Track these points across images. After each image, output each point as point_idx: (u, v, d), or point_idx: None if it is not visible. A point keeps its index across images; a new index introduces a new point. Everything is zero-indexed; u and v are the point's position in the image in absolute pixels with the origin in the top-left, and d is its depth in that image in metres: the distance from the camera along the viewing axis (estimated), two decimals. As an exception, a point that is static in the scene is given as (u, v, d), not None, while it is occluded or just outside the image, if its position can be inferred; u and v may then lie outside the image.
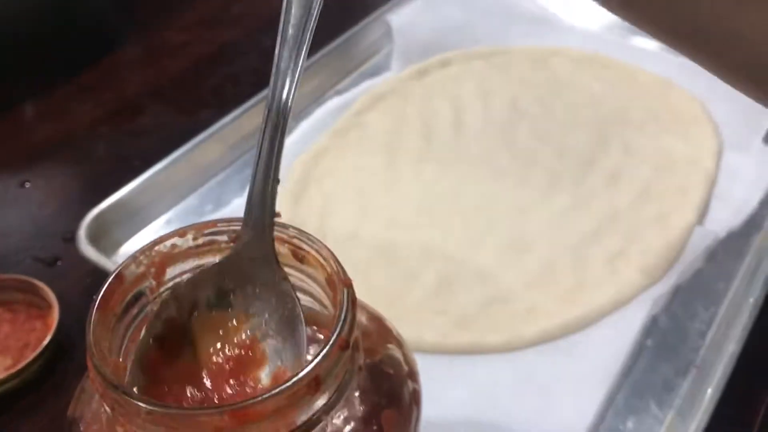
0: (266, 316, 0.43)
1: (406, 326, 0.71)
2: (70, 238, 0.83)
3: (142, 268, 0.42)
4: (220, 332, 0.43)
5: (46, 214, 0.92)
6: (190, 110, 1.03)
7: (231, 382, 0.41)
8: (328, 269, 0.43)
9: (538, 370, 0.70)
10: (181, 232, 0.43)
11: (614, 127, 0.95)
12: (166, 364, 0.41)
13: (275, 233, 0.43)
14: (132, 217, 0.86)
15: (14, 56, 1.09)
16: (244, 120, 0.97)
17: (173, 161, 0.90)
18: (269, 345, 0.42)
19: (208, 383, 0.41)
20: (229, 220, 0.44)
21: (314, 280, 0.45)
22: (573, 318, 0.73)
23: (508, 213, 0.85)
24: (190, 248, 0.43)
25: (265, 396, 0.35)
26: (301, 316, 0.42)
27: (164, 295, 0.42)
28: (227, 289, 0.43)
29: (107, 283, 0.40)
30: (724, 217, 0.83)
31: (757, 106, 0.86)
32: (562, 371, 0.70)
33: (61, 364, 0.74)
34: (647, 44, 1.08)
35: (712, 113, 0.97)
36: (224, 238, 0.44)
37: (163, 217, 0.89)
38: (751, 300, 0.73)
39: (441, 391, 0.66)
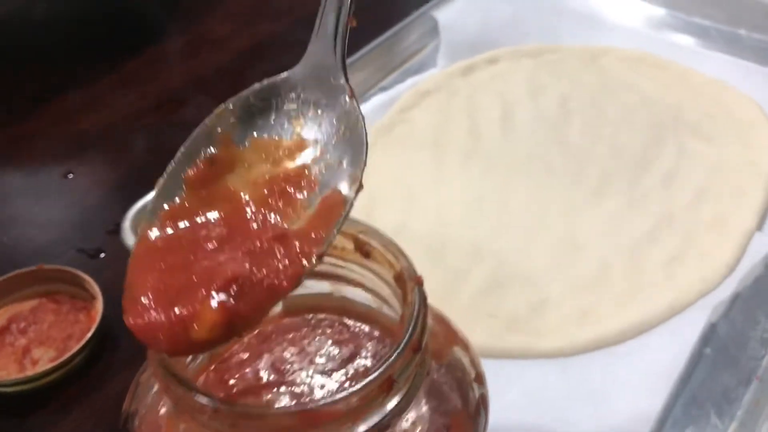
0: (326, 137, 0.41)
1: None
2: (114, 230, 0.82)
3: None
4: (275, 151, 0.40)
5: (89, 206, 0.91)
6: (232, 103, 1.02)
7: (279, 204, 0.38)
8: (398, 266, 0.41)
9: (592, 375, 0.68)
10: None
11: (668, 128, 0.92)
12: (209, 182, 0.39)
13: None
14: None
15: (57, 44, 1.09)
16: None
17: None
18: (323, 168, 0.40)
19: (253, 207, 0.38)
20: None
21: (381, 277, 0.43)
22: (628, 323, 0.71)
23: (560, 213, 0.82)
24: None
25: (337, 398, 0.33)
26: (366, 137, 0.41)
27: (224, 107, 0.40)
28: (288, 109, 0.41)
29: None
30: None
31: None
32: (617, 378, 0.67)
33: (105, 356, 0.73)
34: (695, 43, 1.05)
35: (769, 115, 0.94)
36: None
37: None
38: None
39: (492, 396, 0.64)
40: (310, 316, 0.47)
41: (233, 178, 0.39)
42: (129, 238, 0.78)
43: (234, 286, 0.33)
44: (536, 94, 0.99)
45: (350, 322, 0.45)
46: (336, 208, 0.39)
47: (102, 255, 0.84)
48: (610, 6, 1.16)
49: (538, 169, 0.88)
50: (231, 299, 0.33)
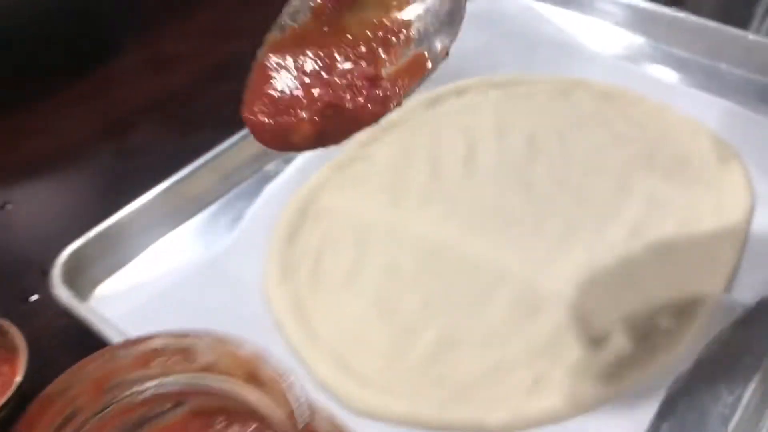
0: (432, 3, 0.46)
1: (401, 397, 0.67)
2: (47, 272, 0.77)
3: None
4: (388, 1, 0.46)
5: (26, 241, 0.86)
6: (185, 130, 0.97)
7: (379, 49, 0.45)
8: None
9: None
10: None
11: (638, 172, 0.88)
12: (330, 15, 0.45)
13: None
14: (114, 251, 0.80)
15: (7, 61, 1.03)
16: (243, 146, 0.91)
17: (162, 192, 0.84)
18: (422, 29, 0.46)
19: (358, 47, 0.45)
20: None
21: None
22: (583, 394, 0.66)
23: (520, 267, 0.78)
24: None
25: None
26: (463, 16, 0.47)
27: None
28: None
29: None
30: (755, 283, 0.76)
31: None
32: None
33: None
34: (674, 77, 1.01)
35: (746, 161, 0.90)
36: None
37: (147, 250, 0.83)
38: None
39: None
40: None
41: (349, 17, 0.45)
42: (58, 287, 0.73)
43: (328, 111, 0.42)
44: (503, 131, 0.95)
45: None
46: (422, 67, 0.45)
47: (33, 297, 0.79)
48: (588, 34, 1.12)
49: (499, 216, 0.84)
50: (323, 120, 0.42)
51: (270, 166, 0.92)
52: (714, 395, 0.68)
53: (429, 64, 0.46)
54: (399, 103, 0.44)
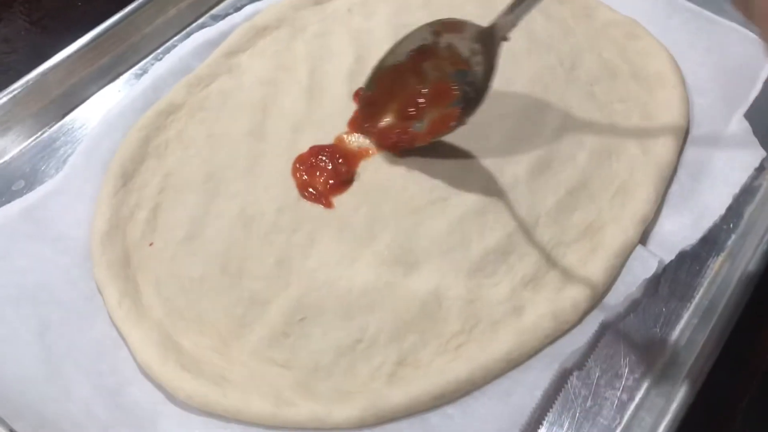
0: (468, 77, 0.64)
1: (234, 387, 0.55)
2: None
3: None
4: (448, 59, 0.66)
5: None
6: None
7: (419, 100, 0.67)
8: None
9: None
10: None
11: (557, 87, 0.73)
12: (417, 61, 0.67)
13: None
14: None
15: None
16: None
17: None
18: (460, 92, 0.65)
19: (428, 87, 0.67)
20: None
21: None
22: (451, 380, 0.55)
23: (396, 216, 0.65)
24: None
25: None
26: (487, 87, 0.62)
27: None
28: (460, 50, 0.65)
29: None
30: (676, 231, 0.64)
31: (745, 62, 0.70)
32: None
33: None
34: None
35: (683, 68, 0.75)
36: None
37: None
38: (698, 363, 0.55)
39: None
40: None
41: (426, 65, 0.67)
42: None
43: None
44: (400, 34, 0.78)
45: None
46: (451, 119, 0.65)
47: None
48: None
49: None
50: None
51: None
52: (611, 375, 0.57)
53: (455, 119, 0.65)
54: (450, 130, 0.65)
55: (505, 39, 0.62)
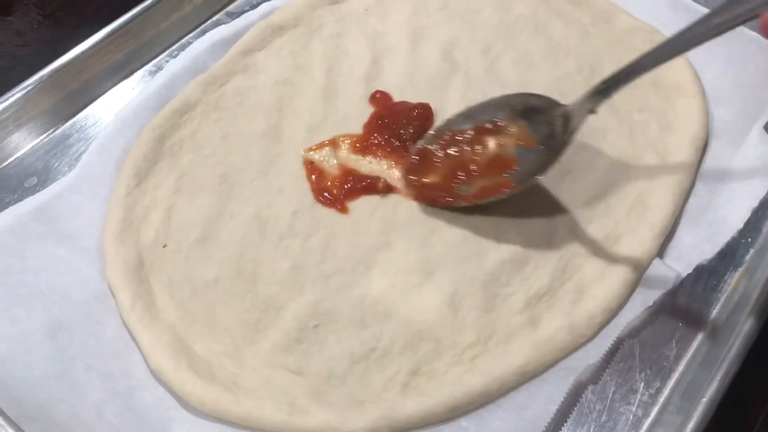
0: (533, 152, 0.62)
1: (247, 393, 0.55)
2: None
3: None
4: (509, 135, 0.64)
5: None
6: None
7: (472, 168, 0.64)
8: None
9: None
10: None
11: (575, 90, 0.72)
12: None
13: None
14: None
15: None
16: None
17: None
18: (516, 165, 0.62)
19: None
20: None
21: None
22: (466, 392, 0.55)
23: (410, 223, 0.64)
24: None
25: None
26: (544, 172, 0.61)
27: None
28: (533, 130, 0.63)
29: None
30: (694, 244, 0.64)
31: (766, 73, 0.66)
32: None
33: None
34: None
35: (703, 78, 0.74)
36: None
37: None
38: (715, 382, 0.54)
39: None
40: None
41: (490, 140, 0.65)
42: None
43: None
44: (418, 37, 0.78)
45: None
46: (504, 187, 0.62)
47: None
48: None
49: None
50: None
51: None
52: (627, 390, 0.57)
53: (509, 188, 0.62)
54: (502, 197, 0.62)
55: (593, 112, 0.59)
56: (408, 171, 0.67)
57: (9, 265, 0.61)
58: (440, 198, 0.64)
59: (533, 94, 0.65)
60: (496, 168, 0.63)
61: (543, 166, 0.61)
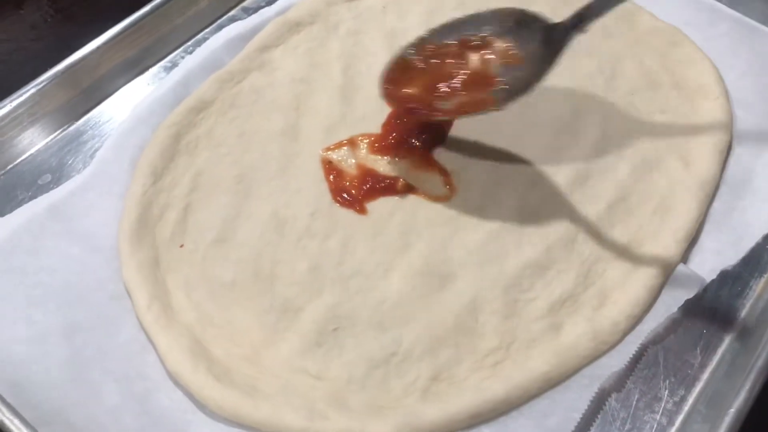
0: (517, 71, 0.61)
1: (265, 398, 0.54)
2: None
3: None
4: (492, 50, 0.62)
5: None
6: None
7: (453, 83, 0.62)
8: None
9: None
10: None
11: (596, 94, 0.72)
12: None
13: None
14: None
15: None
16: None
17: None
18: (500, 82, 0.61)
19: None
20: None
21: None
22: (487, 399, 0.54)
23: (430, 225, 0.63)
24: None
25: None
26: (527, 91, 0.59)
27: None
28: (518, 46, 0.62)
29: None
30: (718, 250, 0.63)
31: None
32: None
33: None
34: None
35: (727, 82, 0.73)
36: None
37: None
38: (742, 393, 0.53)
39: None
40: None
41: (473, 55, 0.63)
42: None
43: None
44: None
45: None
46: (485, 105, 0.60)
47: None
48: None
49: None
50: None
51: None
52: (651, 397, 0.56)
53: (490, 105, 0.60)
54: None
55: (582, 31, 0.59)
56: (386, 80, 0.64)
57: (26, 264, 0.60)
58: (417, 110, 0.63)
59: (523, 9, 0.63)
60: (479, 84, 0.61)
61: (527, 85, 0.59)
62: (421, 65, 0.63)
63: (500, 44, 0.62)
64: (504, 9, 0.63)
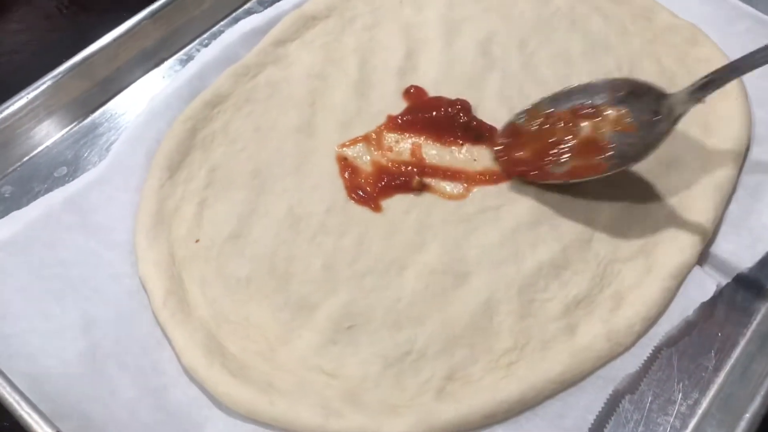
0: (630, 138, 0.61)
1: (281, 394, 0.54)
2: None
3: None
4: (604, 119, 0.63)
5: None
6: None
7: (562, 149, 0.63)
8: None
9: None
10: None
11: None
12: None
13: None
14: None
15: None
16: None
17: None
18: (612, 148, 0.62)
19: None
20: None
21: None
22: (502, 399, 0.54)
23: (445, 224, 0.63)
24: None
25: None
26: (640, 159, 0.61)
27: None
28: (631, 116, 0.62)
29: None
30: (734, 252, 0.62)
31: None
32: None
33: None
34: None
35: (746, 81, 0.72)
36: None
37: None
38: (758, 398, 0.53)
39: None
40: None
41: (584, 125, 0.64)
42: None
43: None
44: (454, 30, 0.76)
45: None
46: (597, 170, 0.62)
47: None
48: None
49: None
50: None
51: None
52: (664, 400, 0.56)
53: (601, 171, 0.62)
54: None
55: (701, 101, 0.59)
56: (497, 151, 0.67)
57: (43, 257, 0.60)
58: (528, 173, 0.64)
59: (637, 79, 0.63)
60: (590, 150, 0.62)
61: (640, 153, 0.60)
62: (533, 130, 0.65)
63: (613, 112, 0.63)
64: (617, 79, 0.65)
